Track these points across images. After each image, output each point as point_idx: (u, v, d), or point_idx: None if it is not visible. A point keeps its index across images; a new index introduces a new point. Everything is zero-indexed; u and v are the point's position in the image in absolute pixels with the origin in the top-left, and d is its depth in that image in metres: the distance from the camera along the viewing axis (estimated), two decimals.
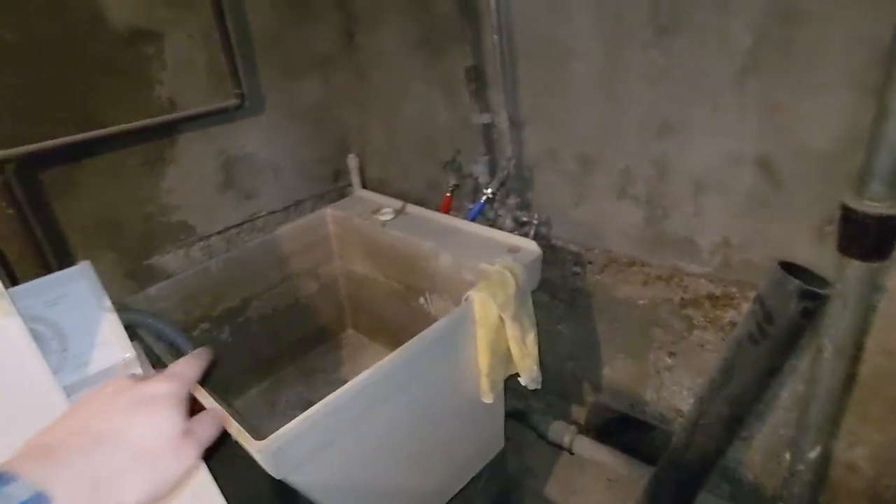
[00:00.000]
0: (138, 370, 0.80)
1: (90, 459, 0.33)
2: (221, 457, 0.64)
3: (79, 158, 1.22)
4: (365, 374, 0.83)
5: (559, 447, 1.45)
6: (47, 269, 1.17)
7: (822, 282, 0.89)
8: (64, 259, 1.23)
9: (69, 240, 1.25)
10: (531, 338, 1.07)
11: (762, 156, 0.95)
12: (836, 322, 0.87)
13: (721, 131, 0.98)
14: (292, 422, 0.75)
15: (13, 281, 1.12)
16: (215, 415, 0.42)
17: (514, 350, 1.05)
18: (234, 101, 1.40)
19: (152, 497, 0.35)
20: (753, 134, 0.94)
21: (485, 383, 1.05)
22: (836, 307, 0.87)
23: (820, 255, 0.94)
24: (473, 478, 1.25)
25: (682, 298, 1.16)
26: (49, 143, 1.13)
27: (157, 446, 0.36)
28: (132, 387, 0.38)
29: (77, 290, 0.84)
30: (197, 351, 0.46)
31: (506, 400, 1.21)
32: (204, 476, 0.61)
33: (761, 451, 1.18)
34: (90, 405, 0.37)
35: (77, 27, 1.15)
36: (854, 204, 0.79)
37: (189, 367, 0.44)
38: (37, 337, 0.70)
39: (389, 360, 0.86)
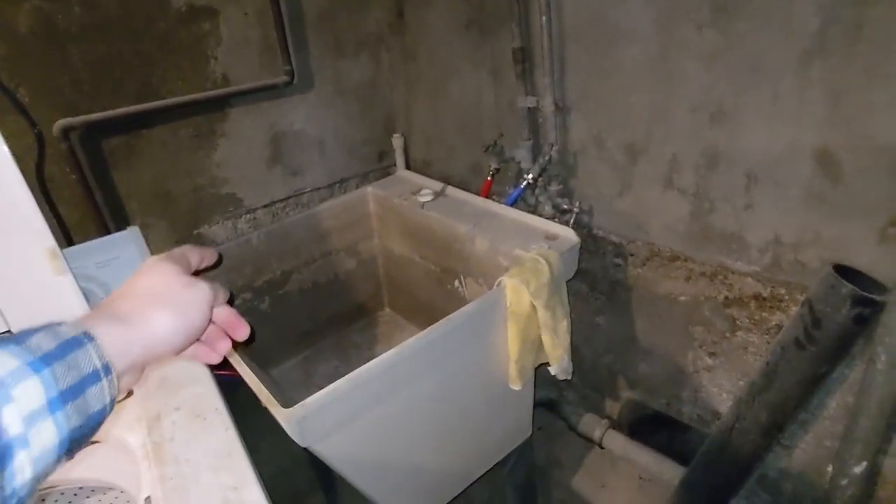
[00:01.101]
0: None
1: (118, 308, 0.39)
2: (254, 425, 0.66)
3: (137, 129, 1.28)
4: (391, 351, 0.84)
5: (589, 440, 1.43)
6: (106, 233, 1.24)
7: (880, 287, 0.83)
8: (121, 224, 1.30)
9: (126, 206, 1.32)
10: (563, 327, 1.05)
11: (823, 148, 0.89)
12: (893, 331, 0.81)
13: (779, 119, 0.92)
14: (318, 393, 0.77)
15: (69, 241, 1.20)
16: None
17: (545, 339, 1.03)
18: (284, 78, 1.43)
19: (184, 325, 0.42)
20: (815, 123, 0.88)
21: (513, 370, 1.04)
22: (893, 315, 0.81)
23: (880, 259, 0.87)
24: (499, 463, 1.25)
25: (727, 297, 1.11)
26: (109, 112, 1.19)
27: (165, 287, 0.42)
28: (138, 270, 0.46)
29: (127, 254, 0.89)
30: (207, 247, 0.54)
31: (539, 389, 1.20)
32: (235, 444, 0.64)
33: (803, 462, 1.12)
34: (119, 288, 0.44)
35: (140, 3, 1.20)
36: None
37: (185, 248, 0.51)
38: (88, 295, 0.75)
39: (417, 340, 0.86)
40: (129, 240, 0.91)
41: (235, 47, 1.36)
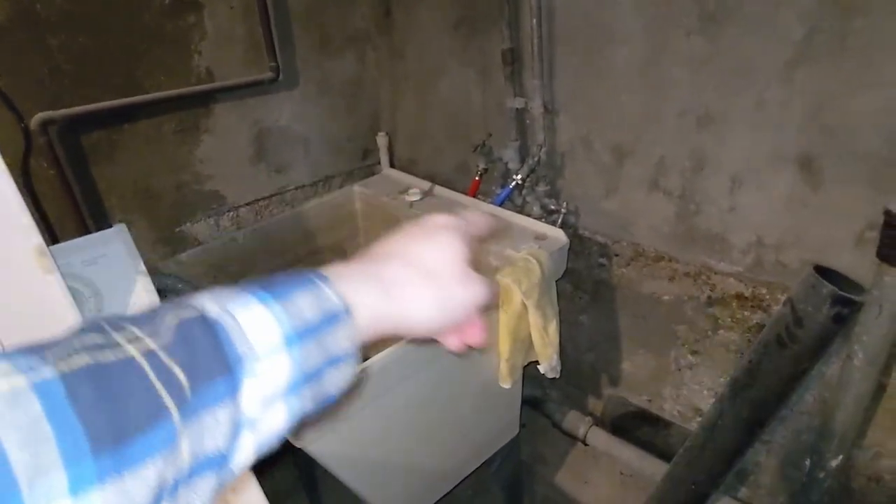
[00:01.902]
0: None
1: (383, 270, 0.34)
2: None
3: (118, 123, 1.25)
4: (384, 353, 0.84)
5: (573, 437, 1.45)
6: (85, 231, 1.21)
7: (857, 288, 0.87)
8: (100, 221, 1.27)
9: (106, 203, 1.28)
10: (553, 326, 1.07)
11: (805, 154, 0.92)
12: (870, 330, 0.85)
13: (764, 125, 0.95)
14: None
15: (53, 239, 1.16)
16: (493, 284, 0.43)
17: (536, 338, 1.05)
18: (269, 74, 1.40)
19: (439, 317, 0.36)
20: (798, 130, 0.91)
21: (504, 368, 1.05)
22: (870, 315, 0.84)
23: (857, 261, 0.91)
24: (486, 461, 1.26)
25: (710, 297, 1.14)
26: (91, 106, 1.16)
27: (442, 269, 0.36)
28: (423, 219, 0.40)
29: (114, 252, 0.87)
30: (487, 216, 0.46)
31: (523, 387, 1.22)
32: None
33: (781, 456, 1.16)
34: (384, 240, 0.39)
35: None
36: None
37: (477, 216, 0.44)
38: (75, 295, 0.73)
39: (408, 341, 0.86)
40: (115, 237, 0.89)
41: (220, 42, 1.34)
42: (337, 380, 0.30)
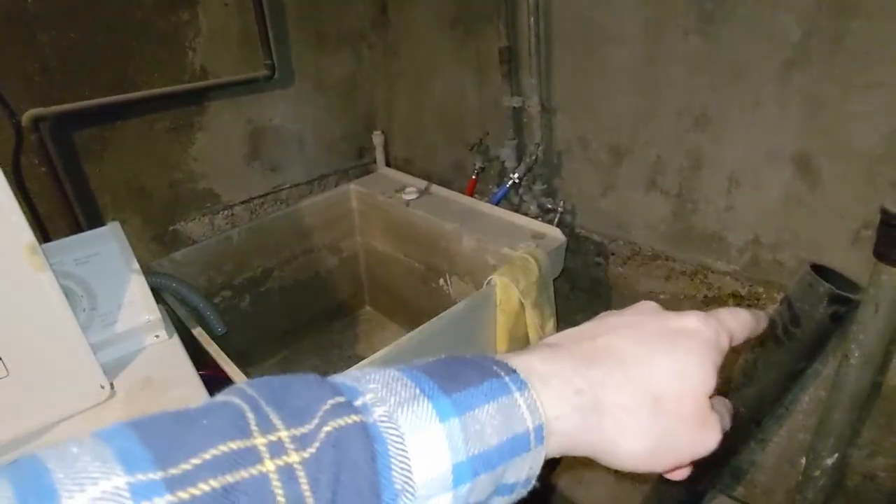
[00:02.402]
0: (163, 332, 0.82)
1: (598, 385, 0.26)
2: None
3: (111, 121, 1.23)
4: (384, 350, 0.83)
5: None
6: (77, 229, 1.19)
7: (854, 287, 0.87)
8: (93, 220, 1.25)
9: (99, 201, 1.27)
10: (550, 326, 1.06)
11: (802, 153, 0.92)
12: (866, 329, 0.85)
13: (760, 125, 0.95)
14: None
15: (45, 238, 1.14)
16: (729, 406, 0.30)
17: (533, 337, 1.04)
18: (264, 72, 1.39)
19: (646, 461, 0.26)
20: (794, 130, 0.92)
21: None
22: (866, 313, 0.84)
23: (853, 260, 0.91)
24: None
25: (706, 296, 1.15)
26: (83, 103, 1.14)
27: (674, 400, 0.26)
28: (664, 314, 0.29)
29: (107, 251, 0.85)
30: (756, 312, 0.32)
31: None
32: None
33: (776, 454, 1.16)
34: (610, 319, 0.30)
35: None
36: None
37: (737, 319, 0.30)
38: (68, 294, 0.72)
39: (409, 339, 0.86)
40: (109, 236, 0.88)
41: (215, 39, 1.33)
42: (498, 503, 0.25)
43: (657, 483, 1.21)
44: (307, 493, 0.19)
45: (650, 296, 1.25)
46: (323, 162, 1.66)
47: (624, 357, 0.27)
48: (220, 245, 1.22)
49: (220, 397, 0.21)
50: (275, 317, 1.39)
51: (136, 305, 0.80)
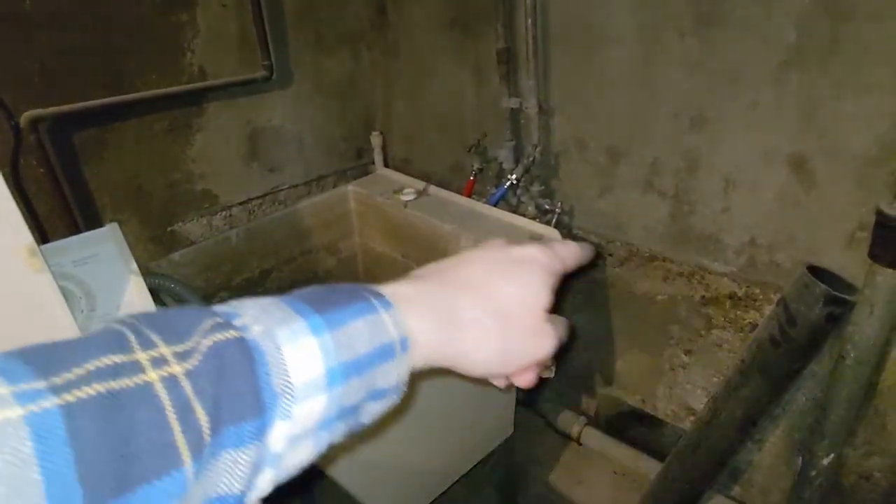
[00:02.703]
0: None
1: (454, 303, 0.30)
2: None
3: (109, 122, 1.23)
4: None
5: (567, 437, 1.45)
6: (75, 230, 1.19)
7: (850, 288, 0.87)
8: (91, 221, 1.25)
9: (97, 202, 1.27)
10: None
11: (798, 155, 0.93)
12: (861, 329, 0.86)
13: (756, 127, 0.95)
14: None
15: (43, 239, 1.14)
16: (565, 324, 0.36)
17: None
18: (262, 73, 1.39)
19: (497, 365, 0.32)
20: (790, 132, 0.92)
21: None
22: (861, 314, 0.85)
23: (849, 261, 0.92)
24: (481, 461, 1.26)
25: (703, 296, 1.15)
26: (82, 104, 1.14)
27: (518, 314, 0.32)
28: (508, 248, 0.35)
29: (105, 252, 0.85)
30: (583, 244, 0.40)
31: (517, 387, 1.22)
32: None
33: (773, 454, 1.17)
34: (463, 256, 0.34)
35: None
36: (891, 210, 0.77)
37: (568, 249, 0.37)
38: (66, 295, 0.72)
39: None
40: (107, 237, 0.88)
41: (213, 40, 1.33)
42: (374, 411, 0.28)
43: (654, 483, 1.22)
44: (192, 397, 0.20)
45: (648, 297, 1.26)
46: (321, 163, 1.66)
47: (476, 282, 0.32)
48: (219, 246, 1.23)
49: (100, 327, 0.22)
50: None
51: (135, 306, 0.80)
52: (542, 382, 1.55)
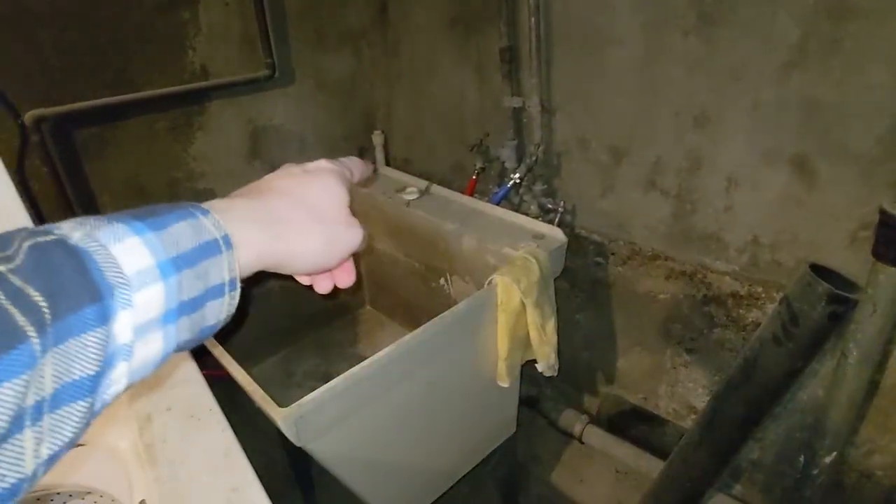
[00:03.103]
0: None
1: (270, 206, 0.34)
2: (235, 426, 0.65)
3: (111, 121, 1.23)
4: (387, 349, 0.83)
5: (569, 436, 1.46)
6: None
7: (852, 286, 0.88)
8: None
9: (98, 200, 1.27)
10: (551, 325, 1.07)
11: (800, 154, 0.93)
12: (864, 328, 0.86)
13: (759, 126, 0.96)
14: (315, 392, 0.76)
15: None
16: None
17: (534, 336, 1.05)
18: (265, 72, 1.40)
19: (324, 256, 0.37)
20: (793, 131, 0.92)
21: (502, 367, 1.05)
22: (864, 313, 0.85)
23: (851, 260, 0.92)
24: (483, 460, 1.26)
25: (705, 295, 1.15)
26: (84, 103, 1.14)
27: (328, 208, 0.37)
28: (301, 165, 0.40)
29: None
30: (366, 161, 0.47)
31: (520, 385, 1.22)
32: (233, 444, 0.63)
33: (774, 453, 1.17)
34: (266, 176, 0.38)
35: None
36: (894, 209, 0.77)
37: (353, 162, 0.44)
38: None
39: (412, 337, 0.86)
40: None
41: (215, 38, 1.33)
42: (216, 310, 0.30)
43: (656, 481, 1.22)
44: (22, 287, 0.21)
45: (650, 295, 1.26)
46: None
47: (286, 188, 0.36)
48: None
49: None
50: (276, 316, 1.40)
51: None
52: (543, 381, 1.55)
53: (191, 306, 0.28)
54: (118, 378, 0.25)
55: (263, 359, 1.42)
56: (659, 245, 1.20)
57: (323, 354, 1.47)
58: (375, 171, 0.49)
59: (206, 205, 0.31)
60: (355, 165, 0.44)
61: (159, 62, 1.26)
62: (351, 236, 0.38)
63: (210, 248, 0.28)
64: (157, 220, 0.27)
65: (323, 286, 0.43)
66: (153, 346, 0.26)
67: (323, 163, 0.40)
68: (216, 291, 0.29)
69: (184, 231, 0.28)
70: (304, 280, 0.43)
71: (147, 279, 0.25)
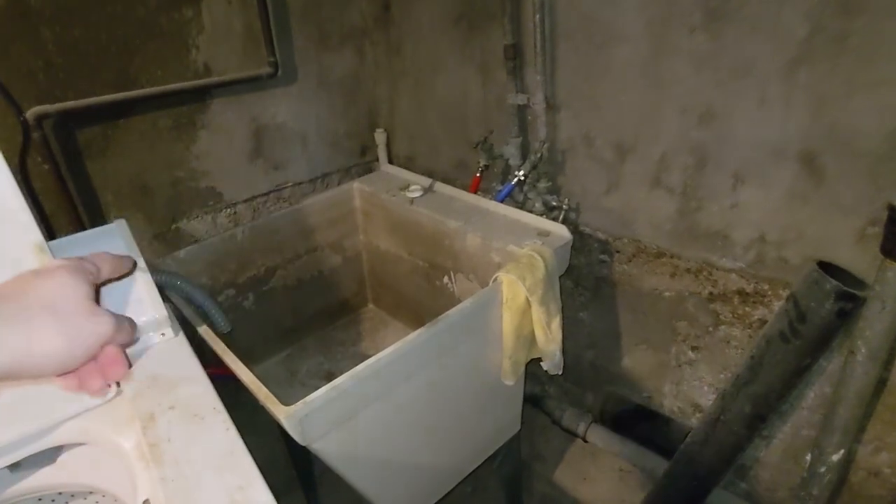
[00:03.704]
0: (169, 330, 0.81)
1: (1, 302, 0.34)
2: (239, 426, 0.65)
3: (114, 118, 1.23)
4: (392, 348, 0.83)
5: (573, 434, 1.45)
6: (79, 227, 1.19)
7: (860, 283, 0.87)
8: (95, 218, 1.25)
9: (101, 199, 1.26)
10: (556, 323, 1.06)
11: (807, 150, 0.92)
12: (872, 325, 0.85)
13: (766, 122, 0.95)
14: (320, 390, 0.76)
15: (50, 235, 1.14)
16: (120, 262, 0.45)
17: (539, 334, 1.04)
18: (267, 70, 1.39)
19: (67, 351, 0.37)
20: (800, 127, 0.92)
21: (507, 365, 1.05)
22: (873, 310, 0.85)
23: (859, 257, 0.92)
24: (488, 458, 1.25)
25: (711, 293, 1.15)
26: (86, 101, 1.14)
27: (64, 302, 0.37)
28: (32, 270, 0.40)
29: (113, 248, 0.85)
30: (123, 256, 0.49)
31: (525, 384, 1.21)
32: (237, 443, 0.62)
33: (781, 451, 1.17)
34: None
35: None
36: None
37: (101, 258, 0.45)
38: None
39: (417, 336, 0.86)
40: (115, 233, 0.87)
41: (218, 36, 1.32)
42: None
43: (661, 480, 1.21)
44: None
45: (655, 293, 1.25)
46: (326, 160, 1.66)
47: (16, 292, 0.36)
48: (224, 243, 1.22)
49: None
50: (279, 315, 1.39)
51: (143, 303, 0.79)
52: (546, 379, 1.54)
53: None
54: None
55: (266, 357, 1.41)
56: (664, 242, 1.19)
57: (326, 353, 1.46)
58: (134, 265, 0.59)
59: None
60: (103, 261, 0.44)
61: (162, 60, 1.25)
62: (94, 326, 0.38)
63: None
64: None
65: (91, 385, 0.41)
66: None
67: (56, 261, 0.41)
68: None
69: None
70: (63, 382, 0.41)
71: None
